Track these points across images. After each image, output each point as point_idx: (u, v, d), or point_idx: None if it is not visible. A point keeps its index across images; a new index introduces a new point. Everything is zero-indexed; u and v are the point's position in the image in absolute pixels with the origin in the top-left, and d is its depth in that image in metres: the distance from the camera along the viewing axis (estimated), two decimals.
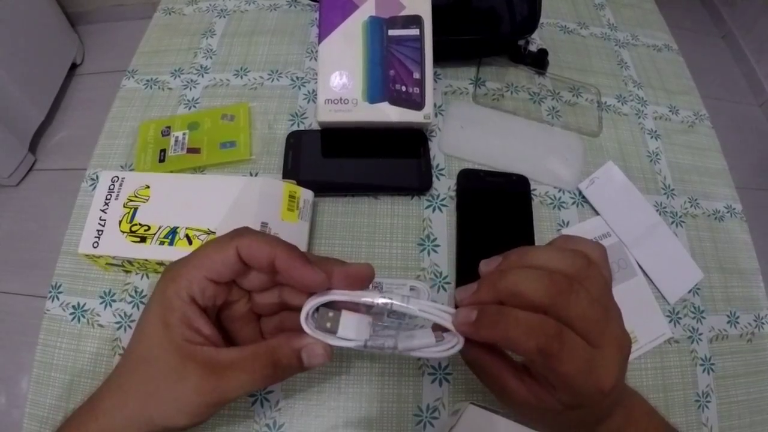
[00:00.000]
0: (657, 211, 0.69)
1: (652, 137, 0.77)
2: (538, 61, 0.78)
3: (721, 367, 0.63)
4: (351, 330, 0.39)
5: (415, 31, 0.63)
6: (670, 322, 0.63)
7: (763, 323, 0.67)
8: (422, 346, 0.38)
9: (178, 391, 0.36)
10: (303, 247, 0.57)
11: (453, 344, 0.39)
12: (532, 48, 0.80)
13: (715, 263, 0.69)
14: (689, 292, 0.66)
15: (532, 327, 0.35)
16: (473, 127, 0.70)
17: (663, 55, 0.89)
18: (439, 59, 0.65)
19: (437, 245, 0.62)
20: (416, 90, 0.63)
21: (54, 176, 1.89)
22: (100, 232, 0.53)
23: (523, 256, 0.40)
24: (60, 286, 0.58)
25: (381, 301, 0.38)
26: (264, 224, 0.53)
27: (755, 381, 0.63)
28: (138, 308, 0.56)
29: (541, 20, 0.74)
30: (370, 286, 0.40)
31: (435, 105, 0.71)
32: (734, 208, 0.74)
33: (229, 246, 0.38)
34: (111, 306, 0.57)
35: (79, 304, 0.57)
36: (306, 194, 0.58)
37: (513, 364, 0.42)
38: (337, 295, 0.38)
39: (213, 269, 0.38)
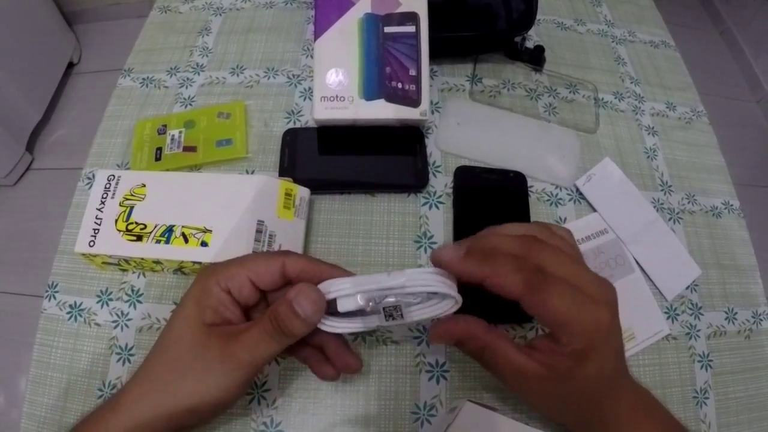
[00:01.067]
0: (654, 207, 0.69)
1: (649, 134, 0.77)
2: (535, 58, 0.78)
3: (719, 363, 0.63)
4: (350, 304, 0.41)
5: (411, 28, 0.63)
6: (668, 318, 0.63)
7: (761, 320, 0.67)
8: (422, 306, 0.41)
9: (201, 362, 0.39)
10: (299, 245, 0.57)
11: (452, 303, 0.42)
12: (529, 45, 0.80)
13: (713, 260, 0.69)
14: (687, 288, 0.66)
15: (517, 263, 0.39)
16: (470, 124, 0.70)
17: (660, 51, 0.89)
18: (436, 56, 0.65)
19: (434, 242, 0.62)
20: (412, 87, 0.63)
21: (51, 175, 1.89)
22: (96, 231, 0.53)
23: (493, 228, 0.45)
24: (57, 285, 0.58)
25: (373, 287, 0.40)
26: (260, 222, 0.53)
27: (753, 377, 0.63)
28: (134, 307, 0.56)
29: (538, 17, 0.73)
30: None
31: (431, 102, 0.71)
32: (732, 205, 0.74)
33: (277, 258, 0.43)
34: (108, 305, 0.57)
35: (76, 303, 0.57)
36: (302, 192, 0.58)
37: (516, 344, 0.44)
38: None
39: (257, 272, 0.42)
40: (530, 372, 0.42)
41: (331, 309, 0.42)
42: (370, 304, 0.40)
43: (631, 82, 0.82)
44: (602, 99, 0.78)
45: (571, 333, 0.40)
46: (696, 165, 0.76)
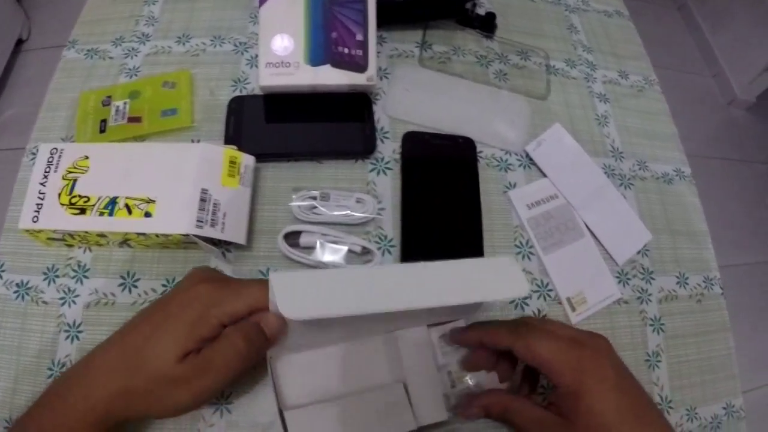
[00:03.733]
0: (605, 173, 0.70)
1: (600, 101, 0.78)
2: (486, 25, 0.78)
3: (671, 327, 0.64)
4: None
5: None
6: (619, 283, 0.65)
7: (712, 284, 0.69)
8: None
9: (172, 388, 0.41)
10: (245, 214, 0.56)
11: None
12: (480, 11, 0.79)
13: (664, 225, 0.70)
14: (638, 253, 0.67)
15: (506, 325, 0.50)
16: (419, 90, 0.70)
17: (613, 20, 0.90)
18: (385, 23, 0.65)
19: (382, 208, 0.61)
20: (359, 52, 0.62)
21: (2, 156, 1.83)
22: (39, 206, 0.52)
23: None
24: (2, 264, 0.56)
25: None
26: (204, 191, 0.52)
27: (705, 341, 0.65)
28: (81, 282, 0.55)
29: None
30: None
31: (380, 68, 0.71)
32: (683, 172, 0.75)
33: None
34: (54, 282, 0.55)
35: (22, 281, 0.55)
36: (247, 159, 0.57)
37: (534, 401, 0.50)
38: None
39: (258, 302, 0.43)
40: (547, 421, 0.46)
41: None
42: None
43: (584, 50, 0.83)
44: (554, 66, 0.78)
45: (558, 373, 0.45)
46: (648, 132, 0.78)
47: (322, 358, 0.50)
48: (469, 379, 0.53)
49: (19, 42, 2.06)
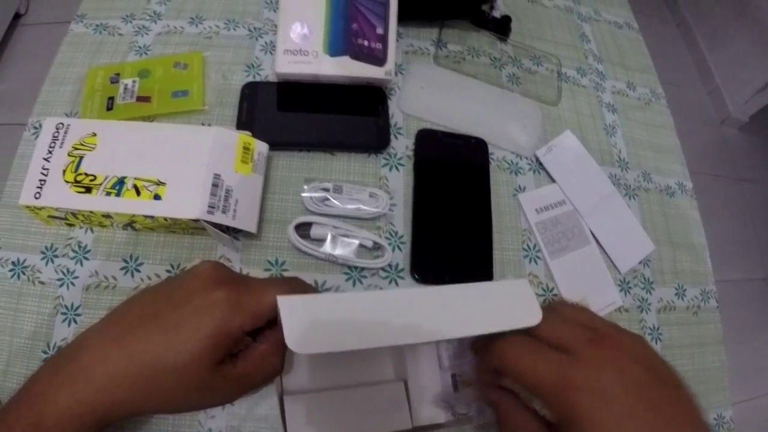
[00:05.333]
0: (611, 182, 0.70)
1: (609, 111, 0.78)
2: (501, 28, 0.77)
3: (669, 337, 0.65)
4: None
5: None
6: (621, 291, 0.65)
7: (708, 297, 0.70)
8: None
9: (202, 395, 0.40)
10: (257, 201, 0.56)
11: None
12: (496, 14, 0.79)
13: (665, 237, 0.71)
14: (640, 263, 0.68)
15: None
16: (433, 88, 0.70)
17: (624, 32, 0.90)
18: (403, 18, 0.64)
19: (393, 204, 0.61)
20: (379, 46, 0.62)
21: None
22: (42, 182, 0.50)
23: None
24: None
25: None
26: (216, 176, 0.51)
27: (700, 352, 0.66)
28: (81, 264, 0.54)
29: None
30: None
31: (395, 64, 0.70)
32: (685, 186, 0.76)
33: (292, 284, 0.44)
34: (53, 262, 0.54)
35: (19, 260, 0.53)
36: (261, 146, 0.56)
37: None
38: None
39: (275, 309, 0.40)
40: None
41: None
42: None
43: (594, 60, 0.83)
44: (565, 73, 0.79)
45: (547, 398, 0.37)
46: (653, 145, 0.78)
47: None
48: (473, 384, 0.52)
49: (17, 16, 2.03)
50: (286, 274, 0.56)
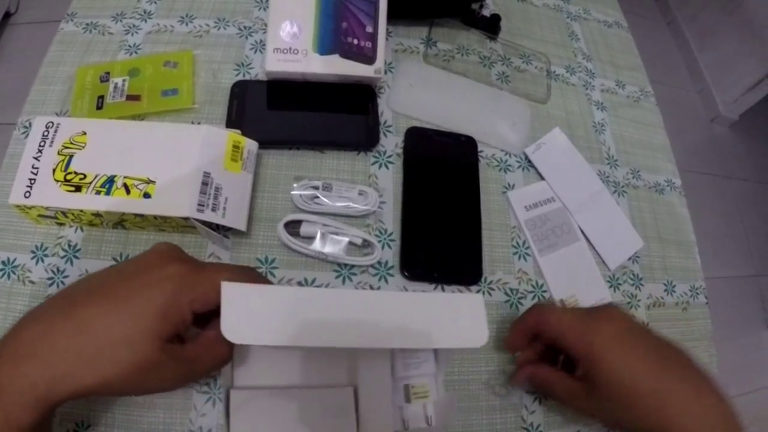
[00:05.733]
0: (600, 180, 0.71)
1: (598, 108, 0.79)
2: (491, 26, 0.78)
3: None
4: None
5: None
6: (610, 287, 0.66)
7: (697, 293, 0.70)
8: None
9: (151, 376, 0.38)
10: (246, 200, 0.55)
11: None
12: (485, 13, 0.79)
13: (654, 233, 0.71)
14: (629, 259, 0.68)
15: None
16: (423, 86, 0.70)
17: (613, 31, 0.91)
18: (392, 16, 0.64)
19: (383, 202, 0.61)
20: (368, 44, 0.62)
21: None
22: (32, 181, 0.50)
23: None
24: None
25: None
26: (206, 174, 0.51)
27: (690, 348, 0.64)
28: (71, 263, 0.54)
29: None
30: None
31: (385, 62, 0.70)
32: (674, 183, 0.77)
33: (246, 272, 0.43)
34: (43, 261, 0.54)
35: (9, 259, 0.53)
36: (251, 145, 0.56)
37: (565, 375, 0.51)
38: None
39: None
40: (577, 390, 0.49)
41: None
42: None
43: (583, 58, 0.83)
44: (554, 71, 0.79)
45: (571, 342, 0.48)
46: (642, 142, 0.79)
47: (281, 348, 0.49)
48: (427, 396, 0.51)
49: (7, 15, 2.02)
50: (276, 272, 0.56)
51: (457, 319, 0.41)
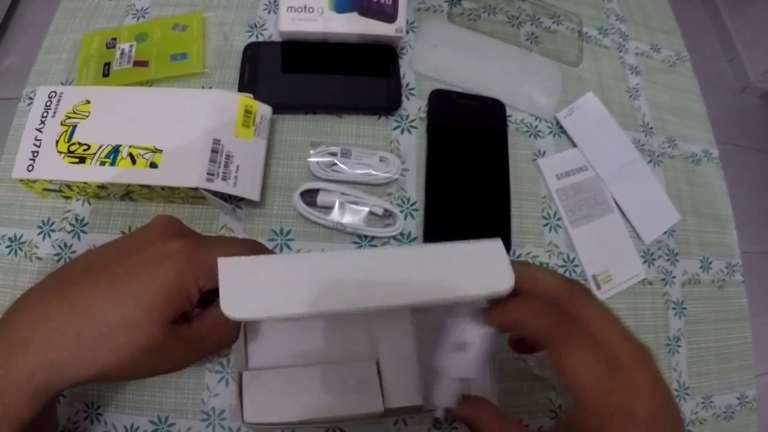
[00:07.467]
0: (635, 148, 0.67)
1: (632, 73, 0.75)
2: None
3: (693, 312, 0.63)
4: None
5: None
6: (645, 262, 0.63)
7: (734, 271, 0.67)
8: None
9: (156, 357, 0.36)
10: (259, 168, 0.53)
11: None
12: None
13: (691, 206, 0.68)
14: (664, 233, 0.65)
15: (547, 307, 0.36)
16: (447, 47, 0.67)
17: None
18: None
19: (406, 169, 0.59)
20: (389, 1, 0.59)
21: (2, 105, 1.78)
22: (35, 154, 0.49)
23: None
24: None
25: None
26: (216, 141, 0.49)
27: (725, 328, 0.64)
28: (79, 238, 0.52)
29: None
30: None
31: (407, 21, 0.67)
32: (711, 153, 0.74)
33: (251, 245, 0.41)
34: (50, 236, 0.52)
35: (15, 235, 0.52)
36: (264, 109, 0.54)
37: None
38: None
39: None
40: None
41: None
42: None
43: (617, 19, 0.79)
44: (586, 33, 0.75)
45: (586, 412, 0.33)
46: (678, 109, 0.75)
47: (296, 323, 0.47)
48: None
49: None
50: (291, 243, 0.54)
51: (479, 266, 0.37)
